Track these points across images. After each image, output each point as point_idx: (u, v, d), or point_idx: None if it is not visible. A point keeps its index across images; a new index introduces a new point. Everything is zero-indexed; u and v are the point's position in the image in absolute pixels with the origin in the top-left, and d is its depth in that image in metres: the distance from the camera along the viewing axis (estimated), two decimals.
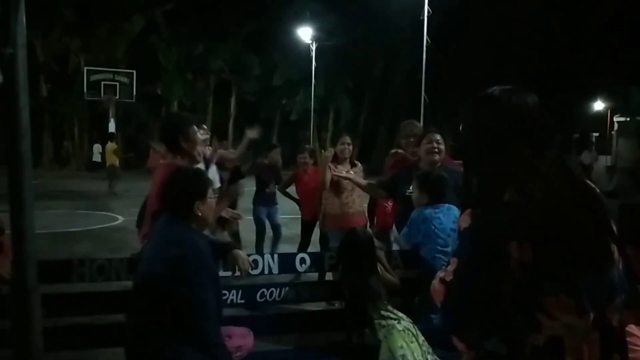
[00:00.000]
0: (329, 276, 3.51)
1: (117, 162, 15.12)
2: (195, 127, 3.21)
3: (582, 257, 1.16)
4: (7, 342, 1.87)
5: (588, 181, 1.30)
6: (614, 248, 1.21)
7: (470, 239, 1.27)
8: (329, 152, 4.74)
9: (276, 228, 6.22)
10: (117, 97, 22.48)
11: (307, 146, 6.44)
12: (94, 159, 23.06)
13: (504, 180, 1.24)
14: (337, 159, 4.82)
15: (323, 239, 5.43)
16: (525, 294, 1.16)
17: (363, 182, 4.24)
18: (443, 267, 2.93)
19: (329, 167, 4.50)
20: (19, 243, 1.12)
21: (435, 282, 1.33)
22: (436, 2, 17.62)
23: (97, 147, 23.05)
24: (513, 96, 1.31)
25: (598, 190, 1.28)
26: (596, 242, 1.19)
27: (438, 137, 3.71)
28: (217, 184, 4.45)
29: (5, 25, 0.98)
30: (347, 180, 4.71)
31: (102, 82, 22.44)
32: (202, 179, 2.43)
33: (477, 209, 1.29)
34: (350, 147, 4.93)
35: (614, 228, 1.24)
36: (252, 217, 6.11)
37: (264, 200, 6.15)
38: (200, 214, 2.33)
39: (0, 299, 2.25)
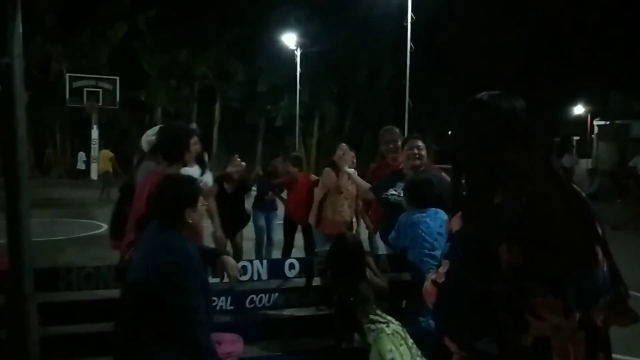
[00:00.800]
0: (316, 281, 3.53)
1: (111, 169, 15.00)
2: (195, 138, 3.36)
3: (568, 259, 1.19)
4: (2, 351, 1.85)
5: (573, 184, 1.33)
6: (599, 250, 1.25)
7: (461, 242, 1.29)
8: (348, 155, 4.72)
9: (270, 243, 6.18)
10: (100, 103, 22.24)
11: (293, 154, 6.39)
12: (78, 167, 22.77)
13: (494, 183, 1.27)
14: (336, 166, 4.83)
15: (309, 244, 5.44)
16: (515, 295, 1.18)
17: (362, 182, 4.29)
18: (434, 270, 2.97)
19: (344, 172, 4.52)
20: (15, 252, 1.11)
21: (427, 284, 1.34)
22: (419, 8, 17.81)
23: (81, 155, 22.78)
24: (502, 101, 1.35)
25: (583, 194, 1.32)
26: (582, 244, 1.22)
27: (419, 142, 3.79)
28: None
29: (2, 35, 0.98)
30: (346, 187, 4.74)
31: (85, 89, 22.19)
32: (193, 186, 2.43)
33: (467, 211, 1.31)
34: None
35: (599, 230, 1.27)
36: (251, 224, 6.13)
37: (261, 206, 6.14)
38: (190, 221, 2.34)
39: None
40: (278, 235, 6.19)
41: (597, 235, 1.26)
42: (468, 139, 1.38)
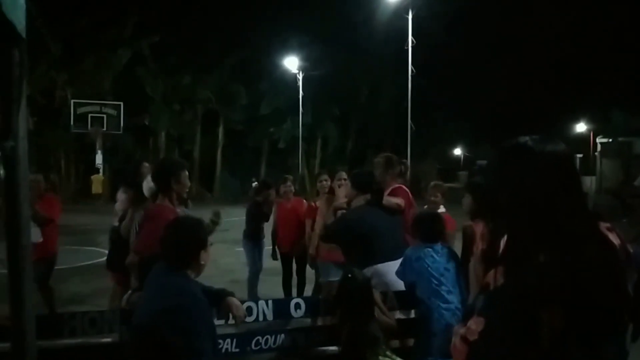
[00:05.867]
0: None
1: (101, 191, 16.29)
2: (186, 172, 3.37)
3: (606, 322, 1.15)
4: None
5: (609, 233, 1.26)
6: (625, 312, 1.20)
7: (500, 300, 1.22)
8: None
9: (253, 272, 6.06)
10: (105, 129, 22.43)
11: (286, 176, 6.22)
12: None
13: (538, 240, 1.19)
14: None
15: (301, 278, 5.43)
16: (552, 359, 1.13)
17: None
18: (445, 306, 2.93)
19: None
20: (18, 335, 1.08)
21: (457, 341, 1.27)
22: (420, 30, 18.03)
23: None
24: (547, 146, 1.24)
25: (616, 242, 1.25)
26: (616, 307, 1.17)
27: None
28: None
29: (7, 118, 0.97)
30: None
31: (89, 115, 22.42)
32: (203, 228, 2.45)
33: (510, 268, 1.23)
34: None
35: (629, 290, 1.23)
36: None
37: (246, 235, 6.14)
38: (202, 262, 2.35)
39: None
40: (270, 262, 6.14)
41: (627, 297, 1.21)
42: (509, 188, 1.25)
